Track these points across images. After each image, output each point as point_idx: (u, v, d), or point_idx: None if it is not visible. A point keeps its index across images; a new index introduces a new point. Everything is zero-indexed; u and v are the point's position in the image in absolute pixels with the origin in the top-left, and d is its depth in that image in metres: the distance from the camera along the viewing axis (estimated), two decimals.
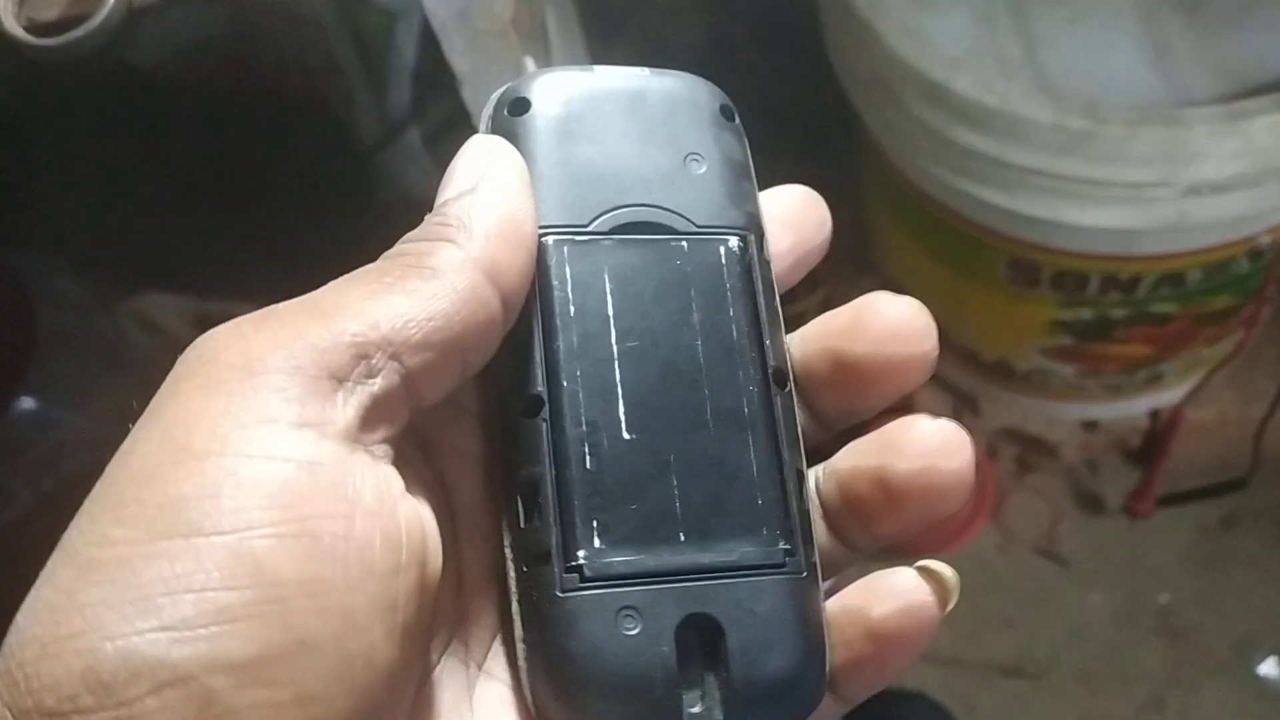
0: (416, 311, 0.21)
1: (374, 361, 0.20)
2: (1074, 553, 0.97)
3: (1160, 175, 0.65)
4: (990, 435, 0.99)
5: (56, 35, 0.35)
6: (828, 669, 0.23)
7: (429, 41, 0.53)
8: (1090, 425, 0.98)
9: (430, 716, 0.22)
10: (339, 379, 0.20)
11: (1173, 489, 0.96)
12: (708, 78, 0.27)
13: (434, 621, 0.22)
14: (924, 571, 0.23)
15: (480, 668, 0.23)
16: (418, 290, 0.21)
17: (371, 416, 0.21)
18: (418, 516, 0.21)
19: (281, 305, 0.21)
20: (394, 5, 0.80)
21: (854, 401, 0.24)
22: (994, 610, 0.96)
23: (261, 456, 0.19)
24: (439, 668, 0.22)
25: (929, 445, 0.23)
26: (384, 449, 0.21)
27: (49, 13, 0.36)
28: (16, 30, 0.34)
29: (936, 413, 0.23)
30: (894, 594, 0.23)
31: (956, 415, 0.99)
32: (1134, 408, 0.97)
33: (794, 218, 0.26)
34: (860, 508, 0.24)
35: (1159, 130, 0.63)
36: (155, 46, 0.72)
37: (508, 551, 0.23)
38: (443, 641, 0.22)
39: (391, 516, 0.20)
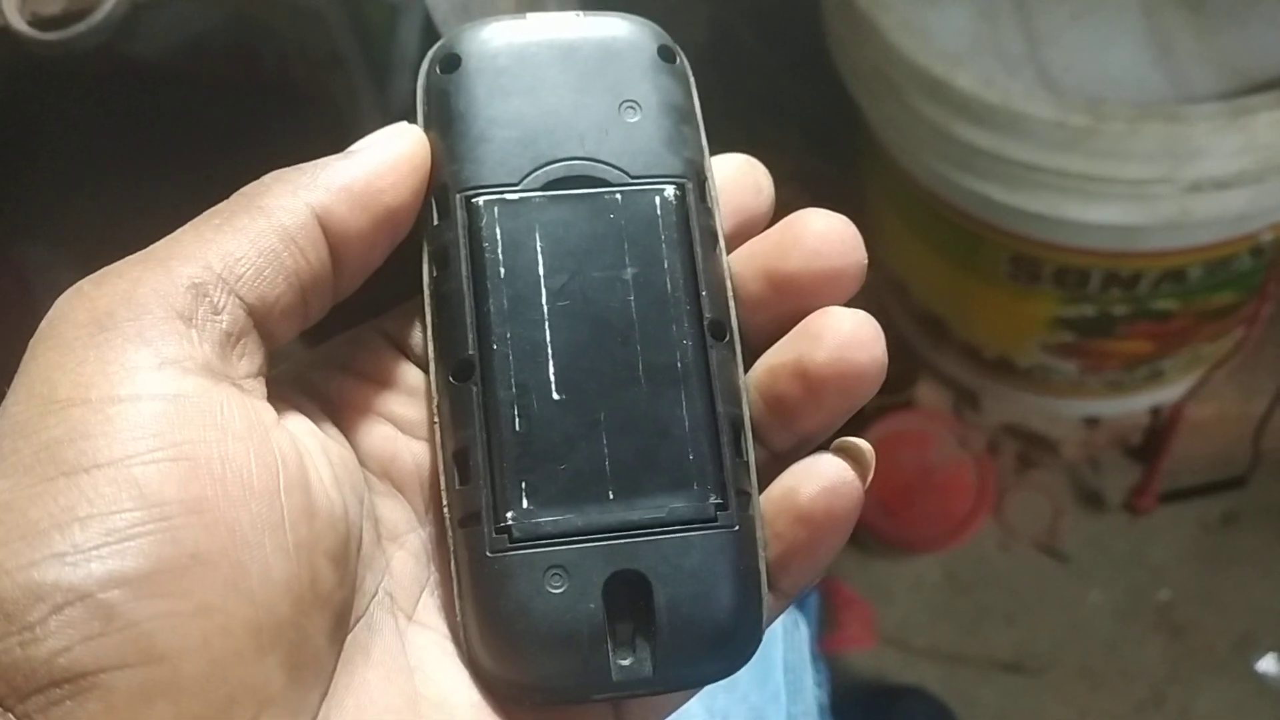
0: (246, 249, 0.21)
1: (215, 300, 0.21)
2: (1074, 549, 0.97)
3: (1162, 172, 0.65)
4: (991, 431, 0.99)
5: (59, 29, 0.35)
6: (765, 619, 0.23)
7: (431, 35, 0.53)
8: (1091, 422, 0.99)
9: (364, 658, 0.22)
10: (186, 319, 0.21)
11: (1173, 486, 0.96)
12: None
13: (351, 561, 0.22)
14: (840, 450, 0.24)
15: (410, 618, 0.24)
16: (245, 229, 0.22)
17: (228, 351, 0.21)
18: (294, 447, 0.21)
19: (119, 262, 0.22)
20: None
21: (788, 319, 0.24)
22: (994, 606, 0.96)
23: (127, 397, 0.20)
24: (367, 615, 0.23)
25: (844, 331, 0.23)
26: (253, 384, 0.22)
27: (52, 7, 0.36)
28: (20, 24, 0.35)
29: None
30: (817, 476, 0.23)
31: (957, 411, 0.99)
32: (1135, 404, 0.97)
33: (725, 184, 0.26)
34: (781, 404, 0.24)
35: (1161, 127, 0.63)
36: (156, 40, 0.72)
37: (446, 512, 0.23)
38: (368, 592, 0.23)
39: (264, 441, 0.21)
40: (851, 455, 0.24)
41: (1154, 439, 0.97)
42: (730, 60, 0.92)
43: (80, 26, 0.34)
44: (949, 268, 0.85)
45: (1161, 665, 0.93)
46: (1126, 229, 0.70)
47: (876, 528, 0.94)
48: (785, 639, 0.46)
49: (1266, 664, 0.91)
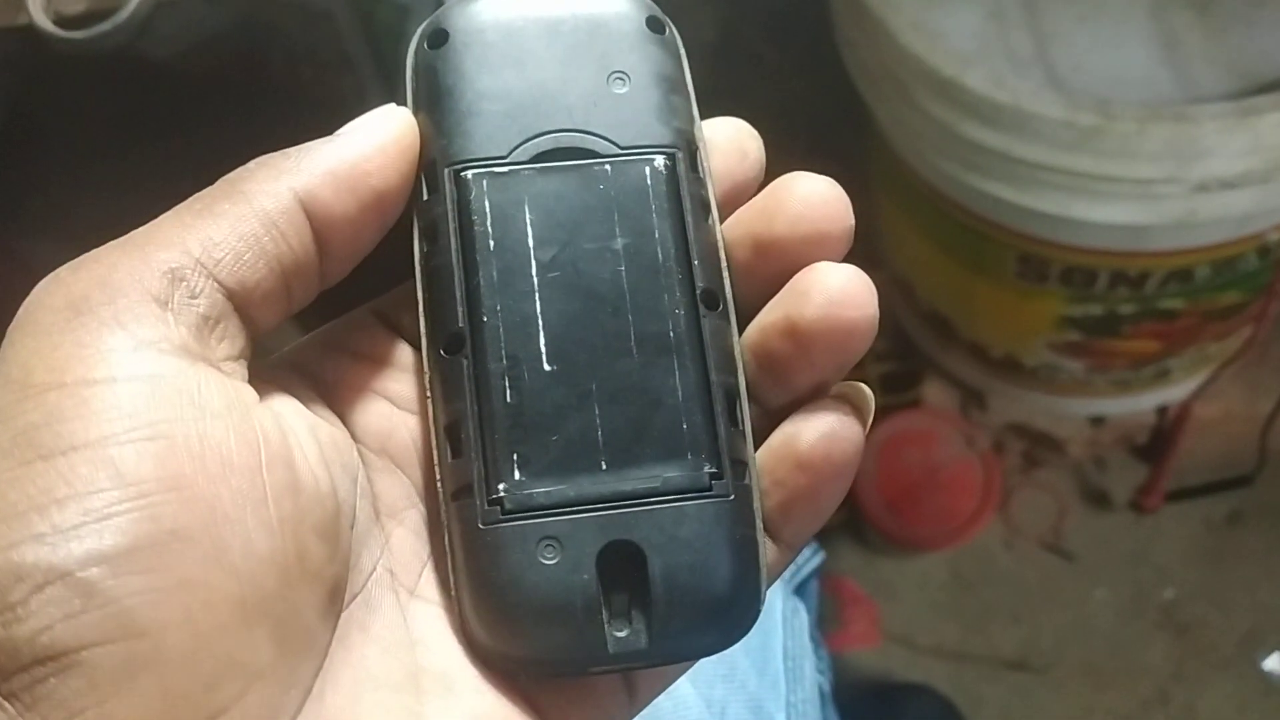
0: (225, 234, 0.21)
1: (192, 284, 0.21)
2: (1080, 548, 0.97)
3: (1170, 172, 0.65)
4: (998, 430, 0.99)
5: (82, 28, 0.35)
6: (763, 590, 0.23)
7: None
8: (1097, 421, 0.99)
9: (361, 633, 0.22)
10: (162, 302, 0.21)
11: (1179, 485, 0.96)
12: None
13: (343, 537, 0.22)
14: (839, 397, 0.23)
15: (412, 593, 0.23)
16: (226, 213, 0.22)
17: (206, 334, 0.21)
18: (277, 425, 0.21)
19: (99, 248, 0.21)
20: (405, 0, 0.80)
21: (777, 284, 0.23)
22: (1000, 604, 0.96)
23: (102, 380, 0.20)
24: (365, 592, 0.23)
25: (833, 286, 0.22)
26: (233, 366, 0.22)
27: (75, 6, 0.36)
28: (45, 23, 0.35)
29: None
30: (816, 422, 0.23)
31: (964, 411, 0.99)
32: (1141, 404, 0.97)
33: (710, 151, 0.25)
34: (773, 363, 0.23)
35: (1169, 127, 0.63)
36: (168, 41, 0.73)
37: (439, 486, 0.23)
38: (366, 569, 0.23)
39: (244, 419, 0.21)
40: (851, 401, 0.23)
41: (1160, 438, 0.97)
42: (739, 61, 0.92)
43: (105, 26, 0.34)
44: (956, 267, 0.85)
45: (1166, 663, 0.93)
46: (1134, 229, 0.70)
47: (882, 526, 0.94)
48: (785, 626, 0.46)
49: (1272, 662, 0.91)
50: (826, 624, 0.92)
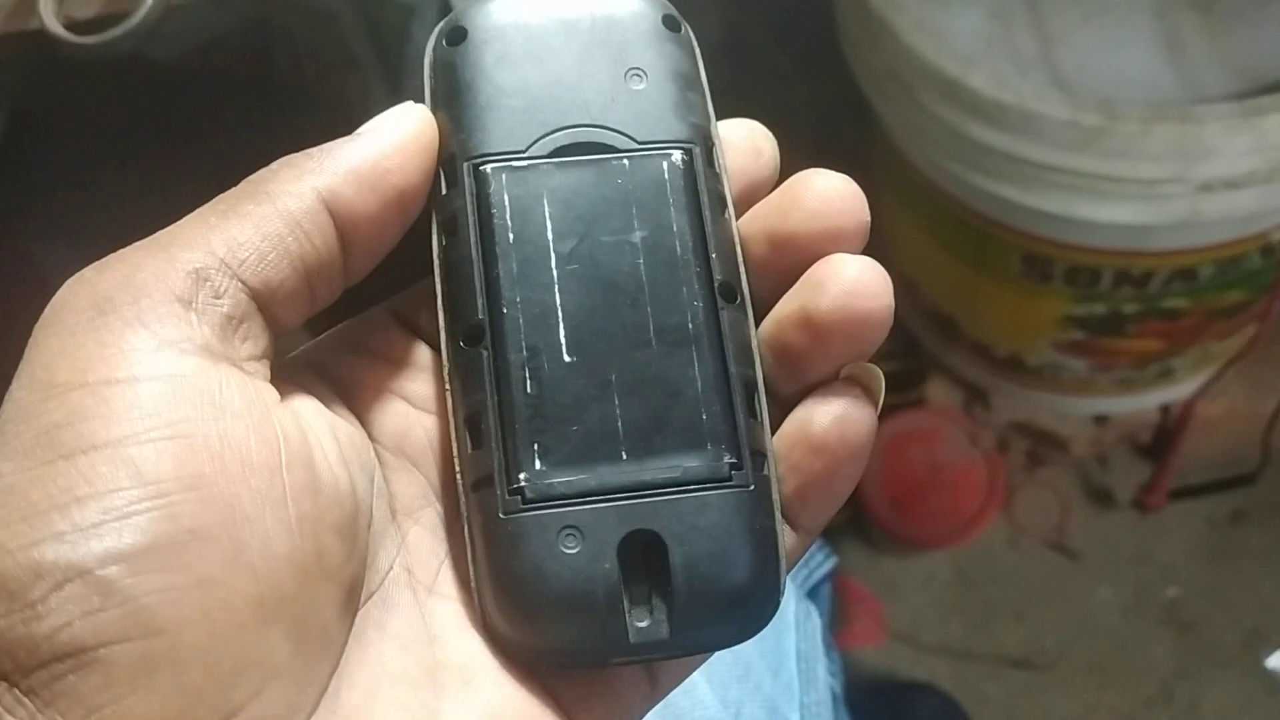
0: (249, 234, 0.22)
1: (216, 284, 0.21)
2: (1084, 546, 0.97)
3: (1173, 171, 0.65)
4: (1001, 429, 0.99)
5: (93, 33, 0.36)
6: (784, 580, 0.23)
7: None
8: (1101, 420, 0.99)
9: (378, 631, 0.22)
10: (186, 302, 0.21)
11: (1183, 483, 0.96)
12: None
13: (361, 536, 0.22)
14: (850, 379, 0.23)
15: (429, 591, 0.24)
16: (250, 214, 0.22)
17: (230, 334, 0.21)
18: (297, 424, 0.21)
19: (124, 249, 0.22)
20: (410, 0, 0.81)
21: (793, 279, 0.23)
22: (1004, 603, 0.96)
23: (124, 379, 0.20)
24: (382, 590, 0.23)
25: (849, 277, 0.22)
26: (256, 366, 0.22)
27: (86, 10, 0.37)
28: (56, 27, 0.35)
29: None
30: (829, 406, 0.23)
31: (968, 409, 0.99)
32: (1145, 402, 0.97)
33: (725, 149, 0.25)
34: (789, 355, 0.23)
35: (1173, 127, 0.63)
36: (175, 42, 0.73)
37: (459, 477, 0.23)
38: (382, 569, 0.23)
39: (264, 419, 0.21)
40: (861, 383, 0.23)
41: (1164, 437, 0.97)
42: (743, 61, 0.92)
43: (116, 30, 0.34)
44: (960, 266, 0.85)
45: (1170, 661, 0.93)
46: (1138, 228, 0.71)
47: (887, 525, 0.94)
48: (798, 629, 0.46)
49: (1276, 660, 0.91)
50: (831, 622, 0.92)
